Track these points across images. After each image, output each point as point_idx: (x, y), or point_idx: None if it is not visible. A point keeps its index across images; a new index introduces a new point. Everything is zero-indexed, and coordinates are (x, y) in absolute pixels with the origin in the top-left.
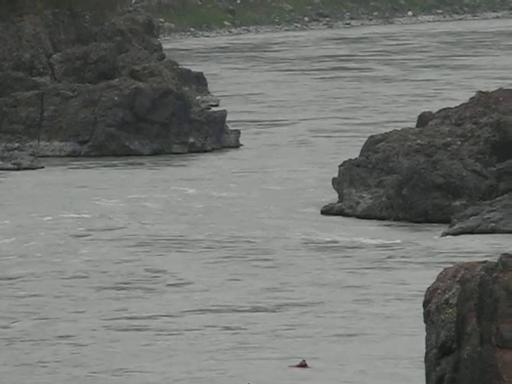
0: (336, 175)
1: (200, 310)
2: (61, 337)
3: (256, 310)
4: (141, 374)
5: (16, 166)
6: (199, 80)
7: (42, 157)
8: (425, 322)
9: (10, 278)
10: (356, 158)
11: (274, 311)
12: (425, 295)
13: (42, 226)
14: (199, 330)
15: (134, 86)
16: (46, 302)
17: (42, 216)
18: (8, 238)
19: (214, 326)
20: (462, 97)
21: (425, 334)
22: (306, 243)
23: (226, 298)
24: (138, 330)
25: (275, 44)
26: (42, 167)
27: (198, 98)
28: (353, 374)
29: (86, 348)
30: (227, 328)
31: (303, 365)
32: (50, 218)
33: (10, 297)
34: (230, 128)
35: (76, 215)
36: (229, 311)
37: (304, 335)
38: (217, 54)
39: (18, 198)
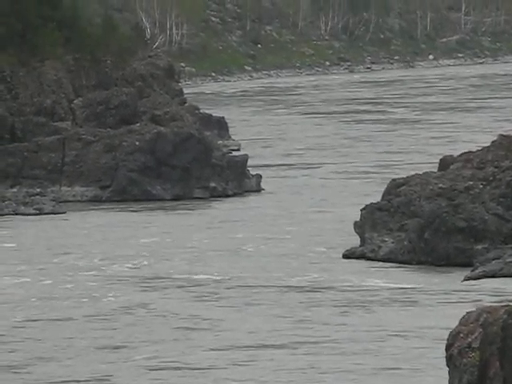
0: (358, 219)
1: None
2: None
3: (282, 347)
4: None
5: (38, 211)
6: (220, 124)
7: (63, 202)
8: (447, 365)
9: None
10: (378, 202)
11: (296, 349)
12: (447, 339)
13: (81, 268)
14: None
15: (155, 130)
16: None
17: (77, 259)
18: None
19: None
20: (484, 140)
21: (447, 377)
22: (328, 286)
23: (255, 337)
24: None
25: (296, 88)
26: (64, 212)
27: (219, 142)
28: None
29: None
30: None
31: None
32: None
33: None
34: (252, 172)
35: (106, 258)
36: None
37: (332, 371)
38: (238, 98)
39: (45, 241)
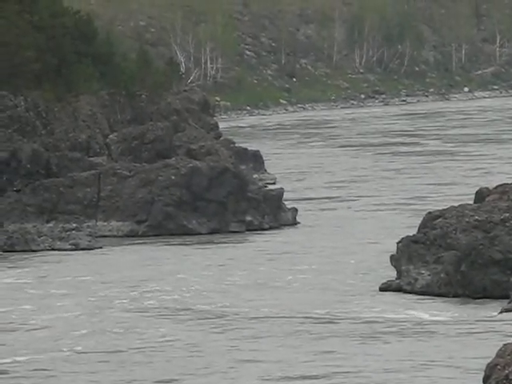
0: (394, 252)
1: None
2: None
3: (319, 377)
4: None
5: (74, 247)
6: (256, 158)
7: (99, 237)
8: None
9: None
10: (414, 235)
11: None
12: (485, 371)
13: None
14: None
15: (190, 165)
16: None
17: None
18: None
19: None
20: None
21: None
22: (365, 320)
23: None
24: None
25: (332, 121)
26: (101, 247)
27: (254, 176)
28: None
29: None
30: None
31: None
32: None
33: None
34: (288, 206)
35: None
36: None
37: None
38: (273, 131)
39: (83, 276)
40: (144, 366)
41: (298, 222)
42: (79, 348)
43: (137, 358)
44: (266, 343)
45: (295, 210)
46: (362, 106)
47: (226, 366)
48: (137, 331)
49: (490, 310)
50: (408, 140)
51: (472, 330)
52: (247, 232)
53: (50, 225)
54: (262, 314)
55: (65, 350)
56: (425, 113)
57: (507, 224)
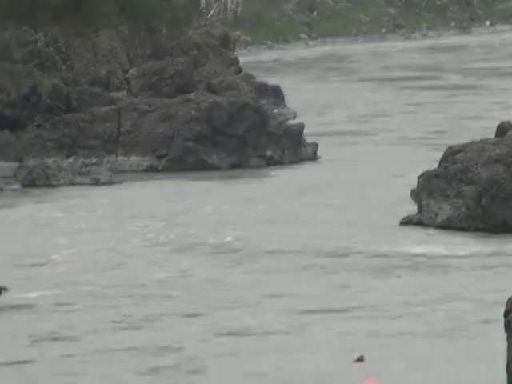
0: (415, 186)
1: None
2: None
3: (339, 311)
4: None
5: (94, 182)
6: (276, 93)
7: (119, 172)
8: (506, 332)
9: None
10: (435, 169)
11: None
12: (506, 305)
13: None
14: None
15: (211, 99)
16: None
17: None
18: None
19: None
20: None
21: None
22: (384, 254)
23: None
24: None
25: (353, 55)
26: (121, 182)
27: (275, 111)
28: None
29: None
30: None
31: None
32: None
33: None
34: (308, 141)
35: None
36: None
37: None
38: (294, 66)
39: (105, 211)
40: (169, 300)
41: (319, 157)
42: (102, 282)
43: (161, 291)
44: (284, 277)
45: (316, 144)
46: (382, 40)
47: (249, 301)
48: (159, 265)
49: (511, 245)
50: (429, 74)
51: (493, 264)
52: (267, 167)
53: (70, 160)
54: (281, 248)
55: (88, 284)
56: (446, 46)
57: None
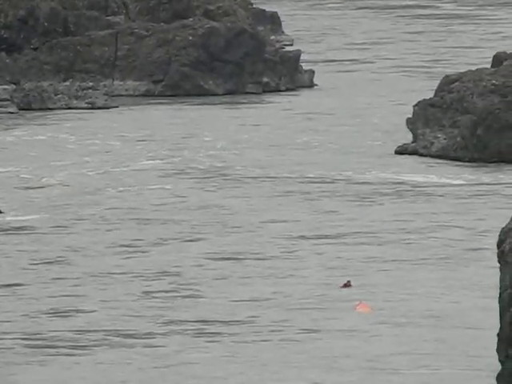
0: (410, 115)
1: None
2: None
3: (336, 237)
4: None
5: (90, 105)
6: (273, 19)
7: (115, 96)
8: (499, 262)
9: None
10: (431, 98)
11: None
12: (499, 235)
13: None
14: None
15: (208, 25)
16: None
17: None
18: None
19: None
20: None
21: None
22: (379, 181)
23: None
24: None
25: None
26: (117, 106)
27: (272, 37)
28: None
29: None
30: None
31: (348, 285)
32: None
33: None
34: (305, 67)
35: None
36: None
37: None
38: None
39: (100, 134)
40: (166, 225)
41: (315, 84)
42: (101, 208)
43: (158, 215)
44: (277, 203)
45: (312, 71)
46: None
47: (246, 226)
48: (154, 190)
49: (506, 174)
50: (427, 3)
51: (487, 194)
52: (264, 93)
53: (67, 83)
54: (275, 174)
55: (86, 208)
56: None
57: None
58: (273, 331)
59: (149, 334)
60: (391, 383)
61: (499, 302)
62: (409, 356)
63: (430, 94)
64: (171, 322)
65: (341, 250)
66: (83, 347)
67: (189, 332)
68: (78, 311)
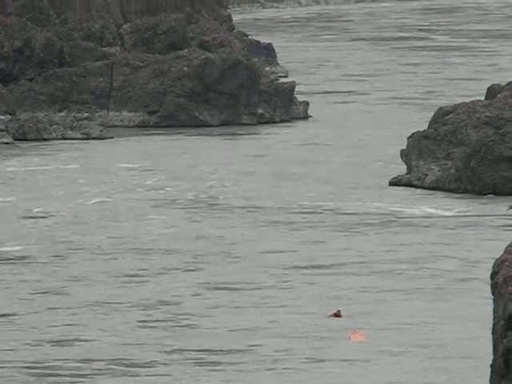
0: (404, 147)
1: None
2: None
3: (331, 267)
4: None
5: (85, 136)
6: (268, 51)
7: (111, 127)
8: (492, 293)
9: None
10: (425, 130)
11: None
12: (493, 267)
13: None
14: None
15: (203, 56)
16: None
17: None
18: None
19: None
20: None
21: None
22: (376, 213)
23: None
24: None
25: (346, 15)
26: (112, 137)
27: (267, 69)
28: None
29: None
30: None
31: (338, 315)
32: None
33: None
34: (299, 99)
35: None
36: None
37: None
38: (286, 24)
39: (95, 165)
40: (157, 255)
41: (310, 116)
42: (98, 238)
43: (154, 245)
44: (268, 233)
45: (307, 103)
46: (376, 1)
47: (238, 256)
48: (150, 220)
49: (500, 207)
50: (421, 35)
51: (481, 227)
52: (258, 125)
53: (62, 114)
54: (271, 204)
55: (83, 238)
56: (443, 8)
57: None
58: (276, 360)
59: (150, 362)
60: None
61: (492, 334)
62: None
63: (425, 126)
64: (172, 351)
65: (333, 281)
66: (85, 375)
67: (190, 361)
68: (78, 340)
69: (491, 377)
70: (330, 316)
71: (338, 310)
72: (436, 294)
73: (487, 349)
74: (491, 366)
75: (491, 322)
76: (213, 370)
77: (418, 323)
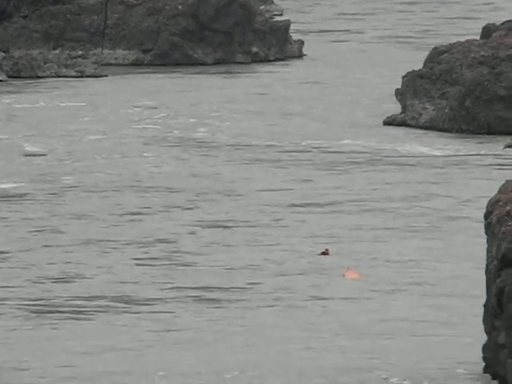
0: (399, 86)
1: None
2: None
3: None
4: None
5: (79, 74)
6: None
7: (105, 65)
8: (486, 233)
9: None
10: (419, 69)
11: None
12: (486, 207)
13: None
14: None
15: None
16: None
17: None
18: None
19: None
20: None
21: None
22: (368, 152)
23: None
24: None
25: None
26: (106, 75)
27: (261, 7)
28: None
29: None
30: None
31: (326, 253)
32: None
33: None
34: (294, 38)
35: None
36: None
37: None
38: None
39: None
40: (154, 192)
41: (305, 55)
42: (93, 175)
43: (150, 183)
44: (258, 170)
45: (301, 42)
46: None
47: (224, 191)
48: (144, 158)
49: (494, 146)
50: None
51: (475, 166)
52: (253, 63)
53: (56, 52)
54: (260, 142)
55: (78, 176)
56: None
57: None
58: (278, 298)
59: (150, 300)
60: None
61: (486, 274)
62: (417, 323)
63: (420, 65)
64: (171, 289)
65: (326, 219)
66: (86, 312)
67: (190, 298)
68: (77, 277)
69: (484, 316)
70: (319, 254)
71: (326, 249)
72: (428, 232)
73: (480, 288)
74: (484, 305)
75: (482, 261)
76: (214, 307)
77: (411, 261)
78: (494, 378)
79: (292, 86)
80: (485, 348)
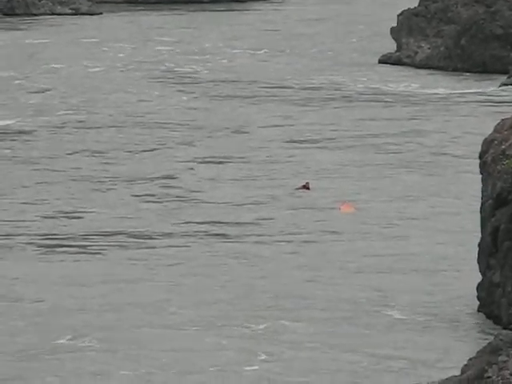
0: (395, 24)
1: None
2: None
3: (316, 141)
4: None
5: (74, 11)
6: None
7: (99, 2)
8: (481, 173)
9: None
10: (415, 7)
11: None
12: (481, 146)
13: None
14: None
15: None
16: None
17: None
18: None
19: None
20: None
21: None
22: (364, 92)
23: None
24: None
25: None
26: (101, 13)
27: None
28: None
29: None
30: None
31: (306, 187)
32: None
33: None
34: None
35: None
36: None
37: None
38: None
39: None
40: (151, 129)
41: None
42: (94, 112)
43: (145, 119)
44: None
45: None
46: None
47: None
48: (142, 94)
49: (489, 84)
50: None
51: (471, 104)
52: (248, 2)
53: None
54: (265, 85)
55: (69, 110)
56: None
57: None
58: (288, 233)
59: (162, 234)
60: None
61: (481, 212)
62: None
63: (414, 3)
64: (182, 224)
65: (318, 154)
66: (92, 247)
67: (201, 233)
68: (82, 213)
69: (479, 256)
70: (298, 188)
71: (307, 182)
72: (419, 168)
73: (471, 225)
74: (479, 244)
75: (472, 198)
76: (226, 242)
77: (404, 197)
78: (488, 317)
79: (293, 22)
80: (479, 286)
